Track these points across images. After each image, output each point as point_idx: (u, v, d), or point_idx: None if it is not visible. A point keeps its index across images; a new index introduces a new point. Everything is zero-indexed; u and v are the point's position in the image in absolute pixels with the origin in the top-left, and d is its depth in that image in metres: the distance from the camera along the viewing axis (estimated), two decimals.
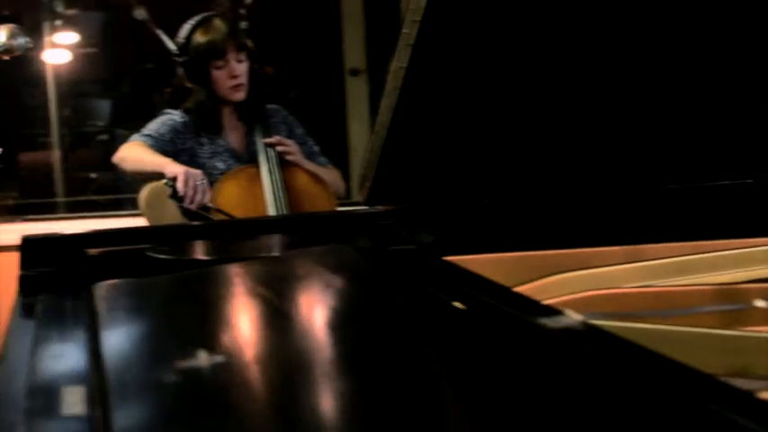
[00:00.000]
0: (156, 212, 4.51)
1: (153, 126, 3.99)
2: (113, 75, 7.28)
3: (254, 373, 1.30)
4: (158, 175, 3.69)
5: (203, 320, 1.61)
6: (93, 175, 7.00)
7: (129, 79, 7.11)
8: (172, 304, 1.75)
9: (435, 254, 2.02)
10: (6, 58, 4.85)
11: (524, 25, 2.18)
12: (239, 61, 3.97)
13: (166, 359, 1.39)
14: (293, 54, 7.00)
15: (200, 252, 2.23)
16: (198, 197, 3.55)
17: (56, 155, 6.57)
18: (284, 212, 3.83)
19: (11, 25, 4.90)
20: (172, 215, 4.22)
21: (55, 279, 2.14)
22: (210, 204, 3.62)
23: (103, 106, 7.24)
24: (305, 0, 7.07)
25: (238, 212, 3.82)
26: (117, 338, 1.56)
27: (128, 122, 6.90)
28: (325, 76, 7.15)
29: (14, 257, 5.01)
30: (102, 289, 1.81)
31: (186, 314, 1.66)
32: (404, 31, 2.08)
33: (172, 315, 1.68)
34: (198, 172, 3.61)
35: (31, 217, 5.92)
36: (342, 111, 7.04)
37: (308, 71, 7.07)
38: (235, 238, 2.27)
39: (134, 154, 3.83)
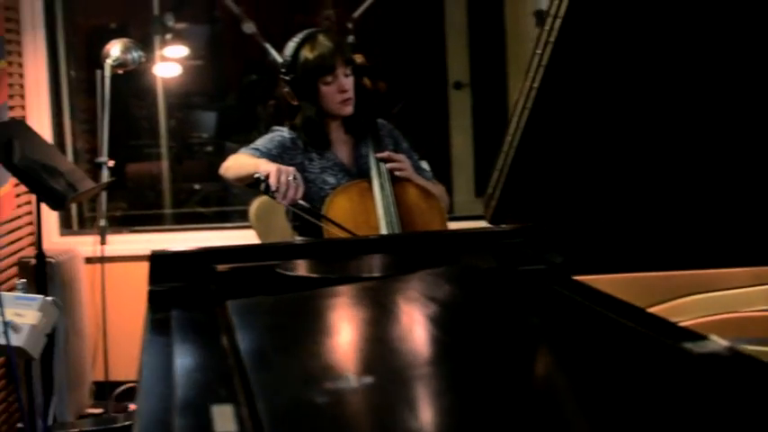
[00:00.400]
0: (265, 225, 4.55)
1: (261, 141, 4.02)
2: (219, 87, 7.36)
3: (402, 393, 1.31)
4: (258, 183, 3.67)
5: (340, 339, 1.62)
6: (197, 187, 7.07)
7: (234, 92, 7.17)
8: (307, 322, 1.75)
9: (565, 274, 2.00)
10: (120, 71, 4.94)
11: (658, 50, 2.16)
12: (346, 75, 3.99)
13: (313, 379, 1.40)
14: (397, 67, 7.02)
15: (328, 270, 2.23)
16: (291, 193, 3.51)
17: (164, 166, 6.65)
18: (395, 227, 3.83)
19: (125, 40, 4.99)
20: (281, 228, 4.25)
21: (184, 294, 2.16)
22: (303, 202, 3.61)
23: (209, 118, 7.32)
24: (410, 14, 7.08)
25: (349, 226, 3.83)
26: (257, 357, 1.58)
27: (232, 134, 6.98)
28: (429, 89, 7.15)
29: (123, 268, 5.10)
30: (236, 306, 1.82)
31: (322, 332, 1.67)
32: (537, 51, 2.07)
33: (308, 333, 1.68)
34: (291, 168, 3.59)
35: (138, 228, 5.99)
36: (445, 124, 7.05)
37: (412, 84, 7.07)
38: (362, 255, 2.28)
39: (236, 162, 3.84)
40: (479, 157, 6.94)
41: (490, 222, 2.43)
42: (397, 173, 3.97)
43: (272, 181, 3.46)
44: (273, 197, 3.47)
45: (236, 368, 1.53)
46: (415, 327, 1.67)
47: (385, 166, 3.96)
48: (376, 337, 1.66)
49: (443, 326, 1.68)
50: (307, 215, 3.67)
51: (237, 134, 7.07)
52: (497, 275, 1.93)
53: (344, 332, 1.67)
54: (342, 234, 3.73)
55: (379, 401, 1.29)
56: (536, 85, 2.12)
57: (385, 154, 3.99)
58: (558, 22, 2.01)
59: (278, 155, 3.93)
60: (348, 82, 3.98)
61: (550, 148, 2.31)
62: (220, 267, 2.24)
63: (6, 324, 2.92)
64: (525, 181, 2.31)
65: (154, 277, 2.25)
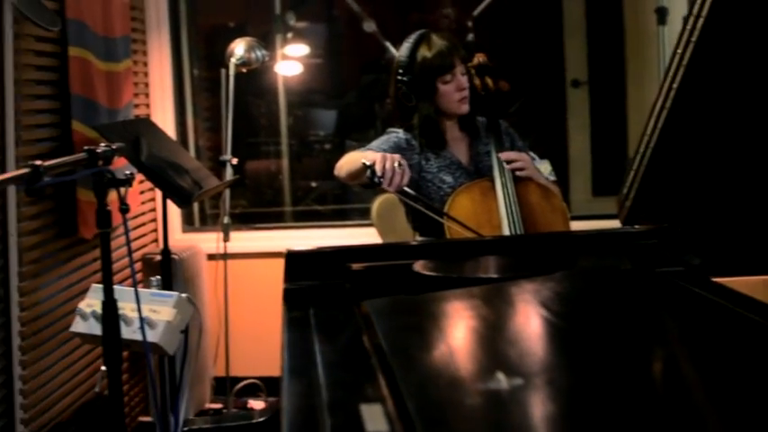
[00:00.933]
0: (386, 223, 4.57)
1: (375, 143, 4.03)
2: (338, 85, 7.40)
3: (554, 396, 1.30)
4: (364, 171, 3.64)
5: (481, 340, 1.62)
6: (314, 184, 7.12)
7: (353, 90, 7.20)
8: (446, 322, 1.75)
9: (703, 276, 1.98)
10: (244, 70, 4.99)
11: None
12: (463, 74, 3.99)
13: (460, 379, 1.40)
14: (516, 65, 6.99)
15: (466, 269, 2.23)
16: (397, 179, 3.49)
17: (284, 164, 6.70)
18: (518, 227, 3.82)
19: (249, 39, 5.05)
20: (402, 226, 4.26)
21: (320, 293, 2.18)
22: (409, 190, 3.59)
23: (328, 116, 7.36)
24: (528, 12, 7.04)
25: (471, 225, 3.82)
26: (401, 356, 1.58)
27: (351, 133, 7.01)
28: (547, 87, 7.11)
29: (245, 264, 5.15)
30: (375, 306, 1.83)
31: (462, 333, 1.67)
32: (677, 51, 2.04)
33: (448, 333, 1.69)
34: (396, 156, 3.57)
35: (259, 225, 6.05)
36: (563, 122, 7.00)
37: (530, 83, 7.04)
38: (495, 255, 2.27)
39: (347, 160, 3.85)
40: (597, 156, 6.88)
41: (624, 223, 2.41)
42: (518, 173, 3.95)
43: (378, 167, 3.43)
44: (380, 183, 3.45)
45: (380, 367, 1.53)
46: (555, 329, 1.66)
47: (507, 165, 3.95)
48: (517, 338, 1.66)
49: (583, 328, 1.67)
50: (413, 203, 3.66)
51: (356, 132, 7.11)
52: (635, 277, 1.91)
53: (484, 333, 1.67)
54: (461, 231, 3.73)
55: (529, 403, 1.28)
56: (675, 85, 2.09)
57: (511, 154, 3.98)
58: (701, 21, 1.99)
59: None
60: (465, 80, 3.98)
61: (688, 149, 2.27)
62: (354, 266, 2.25)
63: (142, 320, 2.98)
64: (661, 182, 2.29)
65: (289, 275, 2.28)
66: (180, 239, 5.66)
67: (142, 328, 2.95)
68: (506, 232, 3.80)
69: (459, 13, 6.56)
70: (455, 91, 3.96)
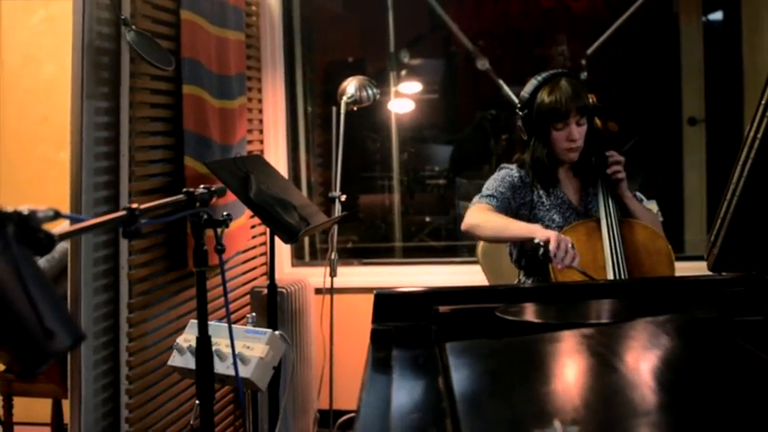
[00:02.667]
0: (491, 261, 4.58)
1: (492, 184, 4.05)
2: (452, 121, 7.43)
3: None
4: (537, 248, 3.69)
5: (553, 387, 1.63)
6: (428, 219, 7.15)
7: (467, 126, 7.23)
8: (523, 368, 1.77)
9: None
10: (355, 108, 5.06)
11: None
12: (579, 125, 3.98)
13: (521, 426, 1.42)
14: (632, 103, 6.97)
15: (546, 316, 2.25)
16: (567, 260, 3.55)
17: (396, 199, 6.75)
18: (622, 268, 3.81)
19: (361, 77, 5.12)
20: (507, 266, 4.27)
21: (406, 334, 2.21)
22: (578, 268, 3.62)
23: (441, 152, 7.39)
24: (645, 48, 7.01)
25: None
26: (470, 401, 1.60)
27: (464, 169, 7.04)
28: (664, 125, 7.07)
29: (351, 299, 5.20)
30: (455, 348, 1.86)
31: (537, 379, 1.68)
32: (762, 102, 2.04)
33: (523, 379, 1.70)
34: (568, 238, 3.61)
35: (367, 261, 6.11)
36: (679, 160, 6.95)
37: (647, 120, 7.00)
38: (579, 300, 2.28)
39: (491, 222, 3.85)
40: (712, 195, 6.81)
41: (711, 270, 2.40)
42: (614, 176, 3.96)
43: (552, 248, 3.49)
44: (550, 262, 3.51)
45: (450, 411, 1.56)
46: (630, 378, 1.66)
47: (613, 207, 3.95)
48: (590, 386, 1.67)
49: (658, 378, 1.68)
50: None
51: (469, 169, 7.13)
52: (715, 326, 1.91)
53: (559, 380, 1.68)
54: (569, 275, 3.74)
55: None
56: (759, 135, 2.09)
57: (615, 156, 4.00)
58: None
59: (510, 196, 3.98)
60: (579, 131, 3.97)
61: None
62: (442, 308, 2.28)
63: (236, 356, 3.04)
64: (748, 229, 2.28)
65: (377, 316, 2.32)
66: (289, 273, 5.75)
67: (235, 363, 3.02)
68: (610, 273, 3.79)
69: (577, 50, 6.56)
70: (565, 140, 3.96)
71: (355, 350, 5.49)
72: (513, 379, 1.73)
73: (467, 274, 5.18)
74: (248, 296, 5.22)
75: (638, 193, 4.20)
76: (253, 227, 5.28)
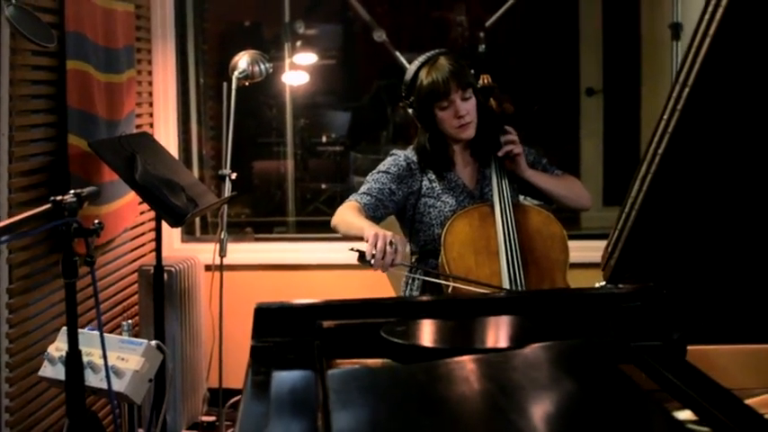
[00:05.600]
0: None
1: (372, 177, 3.99)
2: (350, 88, 7.36)
3: None
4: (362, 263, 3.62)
5: (440, 425, 1.57)
6: (323, 186, 7.09)
7: (366, 93, 7.16)
8: (407, 403, 1.70)
9: (679, 352, 1.93)
10: (247, 84, 4.94)
11: None
12: (464, 99, 3.91)
13: None
14: (530, 73, 6.96)
15: (433, 337, 2.18)
16: (387, 260, 3.47)
17: (289, 167, 6.65)
18: (516, 253, 3.76)
19: (253, 52, 4.99)
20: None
21: (287, 351, 2.13)
22: (405, 263, 3.55)
23: (338, 118, 7.32)
24: (544, 20, 6.99)
25: (468, 251, 3.77)
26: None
27: (363, 137, 6.98)
28: (561, 95, 7.08)
29: (242, 276, 5.11)
30: (335, 379, 1.78)
31: (422, 417, 1.61)
32: (663, 117, 1.99)
33: (406, 417, 1.63)
34: (388, 234, 3.51)
35: (260, 237, 6.03)
36: (576, 130, 6.96)
37: (545, 90, 7.01)
38: (471, 316, 2.21)
39: (344, 219, 3.80)
40: (609, 165, 6.85)
41: (607, 282, 2.35)
42: (512, 152, 3.91)
43: (367, 251, 3.40)
44: (370, 265, 3.42)
45: None
46: (515, 418, 1.60)
47: (507, 191, 3.90)
48: (479, 424, 1.60)
49: (544, 418, 1.62)
50: (417, 273, 3.63)
51: (367, 137, 7.08)
52: (610, 353, 1.85)
53: (440, 418, 1.61)
54: (456, 256, 3.70)
55: None
56: (660, 150, 2.04)
57: (510, 136, 3.95)
58: (687, 90, 1.93)
59: (395, 188, 3.92)
60: (465, 106, 3.90)
61: (673, 212, 2.22)
62: (326, 323, 2.20)
63: (109, 369, 2.91)
64: (645, 242, 2.23)
65: (257, 331, 2.23)
66: (179, 249, 5.63)
67: (108, 377, 2.90)
68: (503, 258, 3.75)
69: (473, 24, 6.51)
70: (453, 117, 3.89)
71: (246, 328, 5.36)
72: (396, 416, 1.66)
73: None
74: (136, 274, 5.09)
75: (544, 161, 4.15)
76: (141, 202, 5.13)
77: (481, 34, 5.73)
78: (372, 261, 3.38)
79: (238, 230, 6.09)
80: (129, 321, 3.69)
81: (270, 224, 6.65)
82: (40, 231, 2.34)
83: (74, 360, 2.62)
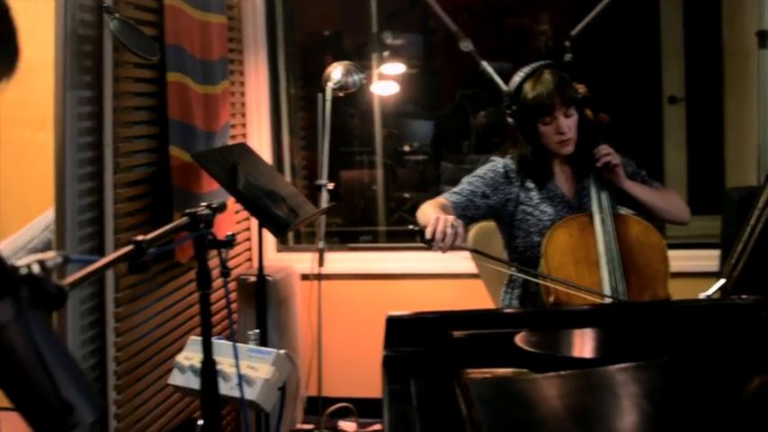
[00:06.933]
0: (482, 248, 4.54)
1: (467, 179, 4.06)
2: (432, 97, 7.38)
3: None
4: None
5: None
6: (407, 195, 7.11)
7: (450, 104, 7.17)
8: (551, 414, 1.72)
9: None
10: (341, 94, 4.99)
11: None
12: (567, 116, 3.93)
13: None
14: (613, 82, 6.94)
15: (573, 348, 2.20)
16: (448, 241, 3.51)
17: (379, 177, 6.68)
18: (616, 263, 3.77)
19: (347, 63, 5.04)
20: (497, 253, 4.23)
21: (420, 360, 2.16)
22: (465, 246, 3.60)
23: (421, 127, 7.34)
24: (626, 29, 6.98)
25: (568, 261, 3.79)
26: None
27: (445, 146, 7.00)
28: (644, 103, 7.06)
29: (339, 285, 5.15)
30: (479, 390, 1.81)
31: (572, 424, 1.64)
32: None
33: (556, 423, 1.66)
34: (450, 217, 3.54)
35: (354, 246, 6.07)
36: (659, 139, 6.94)
37: (627, 98, 6.98)
38: (601, 325, 2.23)
39: (423, 210, 3.85)
40: (693, 174, 6.81)
41: (730, 293, 2.36)
42: (608, 166, 3.91)
43: (428, 231, 3.46)
44: (430, 246, 3.46)
45: None
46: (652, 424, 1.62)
47: (607, 201, 3.91)
48: None
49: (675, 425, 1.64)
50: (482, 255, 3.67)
51: (450, 146, 7.09)
52: (723, 365, 1.86)
53: (599, 427, 1.64)
54: (556, 264, 3.73)
55: None
56: None
57: (603, 147, 3.95)
58: None
59: (490, 192, 3.96)
60: (567, 123, 3.92)
61: None
62: (456, 333, 2.23)
63: (241, 378, 2.98)
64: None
65: (389, 341, 2.26)
66: (274, 259, 5.67)
67: (240, 385, 2.96)
68: (604, 269, 3.76)
69: (558, 33, 6.51)
70: (554, 133, 3.92)
71: (343, 337, 5.48)
72: (542, 428, 1.68)
73: (456, 261, 5.12)
74: (234, 283, 5.15)
75: (643, 173, 4.16)
76: (237, 212, 5.20)
77: (567, 43, 5.72)
78: (433, 243, 3.44)
79: (327, 240, 6.14)
80: (257, 331, 3.74)
81: (357, 233, 6.68)
82: (179, 244, 2.39)
83: (208, 369, 2.68)
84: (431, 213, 3.70)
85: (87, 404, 1.09)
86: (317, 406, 5.01)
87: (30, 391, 1.06)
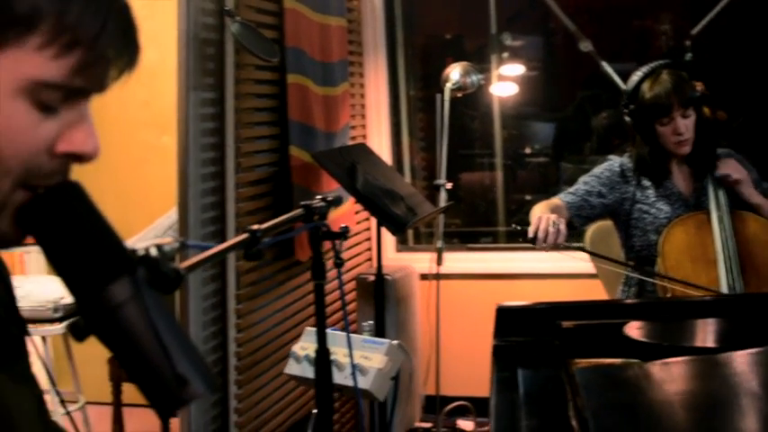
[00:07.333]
0: (599, 249, 4.54)
1: (584, 179, 4.11)
2: (552, 98, 7.35)
3: None
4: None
5: (694, 425, 1.59)
6: (528, 198, 7.10)
7: (570, 105, 7.14)
8: (659, 401, 1.72)
9: None
10: (459, 95, 5.02)
11: None
12: (685, 117, 3.91)
13: None
14: (738, 82, 6.83)
15: (679, 335, 2.20)
16: (550, 239, 3.56)
17: (499, 179, 6.68)
18: (734, 262, 3.75)
19: (465, 63, 5.07)
20: (616, 254, 4.23)
21: (529, 350, 2.19)
22: (569, 244, 3.63)
23: (541, 129, 7.32)
24: (750, 26, 6.87)
25: (685, 259, 3.78)
26: None
27: (567, 148, 6.97)
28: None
29: (457, 285, 5.19)
30: (584, 377, 1.82)
31: (676, 416, 1.64)
32: None
33: (660, 416, 1.66)
34: (552, 216, 3.63)
35: (473, 246, 6.10)
36: None
37: (754, 99, 6.87)
38: (716, 316, 2.23)
39: (534, 210, 3.93)
40: None
41: None
42: (735, 186, 3.88)
43: (531, 230, 3.58)
44: (534, 243, 3.56)
45: None
46: None
47: (724, 198, 3.88)
48: (731, 424, 1.62)
49: None
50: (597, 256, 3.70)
51: (571, 148, 7.05)
52: None
53: (700, 416, 1.64)
54: (675, 263, 3.72)
55: None
56: None
57: (729, 166, 3.92)
58: None
59: (607, 192, 3.98)
60: (685, 124, 3.90)
61: None
62: (565, 323, 2.25)
63: (354, 367, 3.05)
64: None
65: (499, 330, 2.29)
66: (393, 259, 5.74)
67: (354, 375, 3.02)
68: (721, 267, 3.74)
69: (678, 32, 6.45)
70: (672, 134, 3.90)
71: (462, 336, 5.51)
72: (650, 416, 1.68)
73: (572, 261, 5.12)
74: (353, 282, 5.22)
75: (765, 185, 4.11)
76: (357, 212, 5.27)
77: (687, 42, 5.67)
78: (537, 241, 3.54)
79: (447, 240, 6.17)
80: (371, 322, 3.80)
81: (477, 234, 6.69)
82: (294, 235, 2.45)
83: (323, 358, 2.75)
84: (537, 211, 3.75)
85: (200, 378, 1.14)
86: (435, 404, 5.04)
87: (146, 365, 1.12)
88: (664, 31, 6.56)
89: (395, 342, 3.38)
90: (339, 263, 2.73)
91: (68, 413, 1.60)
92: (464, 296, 5.56)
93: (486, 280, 5.66)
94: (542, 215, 3.60)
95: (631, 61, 5.89)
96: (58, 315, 4.81)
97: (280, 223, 2.36)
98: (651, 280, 3.84)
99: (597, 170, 4.09)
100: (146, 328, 1.12)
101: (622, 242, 4.11)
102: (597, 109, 6.69)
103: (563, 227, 3.57)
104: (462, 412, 5.32)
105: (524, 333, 2.25)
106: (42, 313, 4.74)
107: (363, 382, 3.21)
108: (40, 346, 4.78)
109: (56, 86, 1.12)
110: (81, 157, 1.18)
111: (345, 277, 5.25)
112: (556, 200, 4.02)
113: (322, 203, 2.65)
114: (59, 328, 4.82)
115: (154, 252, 1.22)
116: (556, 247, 3.56)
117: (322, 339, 2.74)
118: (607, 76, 5.61)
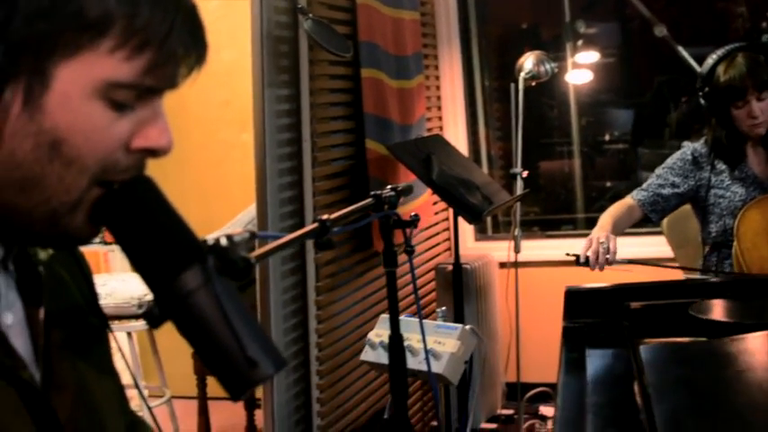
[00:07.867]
0: (677, 234, 4.54)
1: (658, 171, 4.13)
2: (629, 84, 7.32)
3: None
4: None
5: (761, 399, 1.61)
6: (608, 185, 7.08)
7: (647, 89, 7.11)
8: (725, 377, 1.74)
9: None
10: (533, 84, 5.05)
11: None
12: (760, 100, 3.88)
13: None
14: None
15: (749, 315, 2.21)
16: (601, 260, 3.64)
17: (576, 166, 6.68)
18: None
19: (538, 53, 5.09)
20: (693, 237, 4.22)
21: (598, 331, 2.22)
22: (621, 260, 3.69)
23: (621, 116, 7.30)
24: None
25: (762, 240, 3.76)
26: (669, 419, 1.59)
27: (645, 133, 6.94)
28: None
29: (536, 272, 5.22)
30: (649, 354, 1.85)
31: (741, 391, 1.65)
32: None
33: (725, 391, 1.67)
34: (601, 235, 3.74)
35: (551, 234, 6.12)
36: None
37: None
38: None
39: (600, 218, 4.04)
40: None
41: None
42: None
43: (582, 254, 3.69)
44: (586, 265, 3.68)
45: (648, 427, 1.56)
46: None
47: None
48: None
49: None
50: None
51: (650, 134, 7.02)
52: None
53: (761, 390, 1.66)
54: (752, 250, 3.71)
55: None
56: None
57: None
58: None
59: (680, 181, 3.99)
60: (760, 107, 3.86)
61: None
62: (633, 304, 2.28)
63: (427, 352, 3.10)
64: None
65: (568, 312, 2.33)
66: (472, 248, 5.78)
67: (427, 359, 3.07)
68: None
69: (755, 13, 6.39)
70: (747, 117, 3.88)
71: (541, 323, 5.51)
72: (714, 391, 1.70)
73: (650, 246, 5.12)
74: (433, 272, 5.27)
75: None
76: (435, 203, 5.31)
77: (764, 24, 5.63)
78: (588, 264, 3.67)
79: (527, 229, 6.19)
80: (444, 308, 3.85)
81: (557, 222, 6.70)
82: (364, 224, 2.50)
83: (396, 344, 2.80)
84: (599, 221, 3.94)
85: (269, 360, 1.19)
86: (517, 391, 5.07)
87: (218, 349, 1.17)
88: (740, 14, 6.51)
89: (467, 326, 3.42)
90: (410, 250, 2.77)
91: (149, 409, 1.65)
92: (543, 283, 5.58)
93: (566, 267, 5.66)
94: (592, 236, 3.75)
95: (709, 45, 5.86)
96: (142, 311, 4.90)
97: (349, 213, 2.41)
98: (725, 273, 3.86)
99: (670, 161, 4.09)
100: (217, 313, 1.17)
101: (701, 228, 4.11)
102: (676, 94, 6.65)
103: (612, 244, 3.69)
104: (544, 398, 5.34)
105: (593, 315, 2.28)
106: (127, 310, 4.83)
107: (437, 367, 3.26)
108: (125, 343, 4.88)
109: (129, 86, 1.17)
110: (156, 152, 1.22)
111: (425, 267, 5.30)
112: (628, 200, 4.09)
113: (391, 193, 2.69)
114: (144, 323, 4.92)
115: (223, 242, 1.27)
116: (609, 264, 3.66)
117: (395, 326, 2.79)
118: (683, 61, 5.59)
